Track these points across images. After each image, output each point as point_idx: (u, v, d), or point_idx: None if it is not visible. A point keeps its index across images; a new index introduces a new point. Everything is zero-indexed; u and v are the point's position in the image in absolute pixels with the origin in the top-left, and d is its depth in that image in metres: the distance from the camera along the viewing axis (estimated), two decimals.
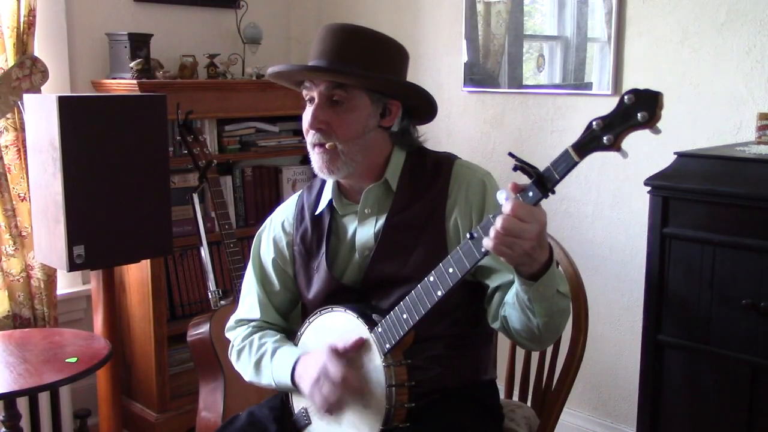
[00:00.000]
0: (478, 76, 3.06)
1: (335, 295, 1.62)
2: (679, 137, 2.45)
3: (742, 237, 1.88)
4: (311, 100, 1.56)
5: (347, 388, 1.47)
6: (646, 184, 2.04)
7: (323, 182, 1.69)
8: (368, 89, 1.55)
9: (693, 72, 2.50)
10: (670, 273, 2.01)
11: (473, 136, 3.10)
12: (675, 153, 2.08)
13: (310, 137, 1.57)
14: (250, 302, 1.76)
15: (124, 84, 2.88)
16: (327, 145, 1.54)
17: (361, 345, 1.49)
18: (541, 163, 1.28)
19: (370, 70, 1.53)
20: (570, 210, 2.84)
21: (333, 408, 1.50)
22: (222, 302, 2.66)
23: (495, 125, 3.04)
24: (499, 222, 1.24)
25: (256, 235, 1.79)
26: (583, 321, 1.74)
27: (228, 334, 1.79)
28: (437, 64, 3.16)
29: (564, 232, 2.84)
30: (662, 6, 2.54)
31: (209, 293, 2.70)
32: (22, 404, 2.51)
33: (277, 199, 3.34)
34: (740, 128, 2.40)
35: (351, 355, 1.50)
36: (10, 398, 2.24)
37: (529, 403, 1.88)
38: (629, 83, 2.65)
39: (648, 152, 2.42)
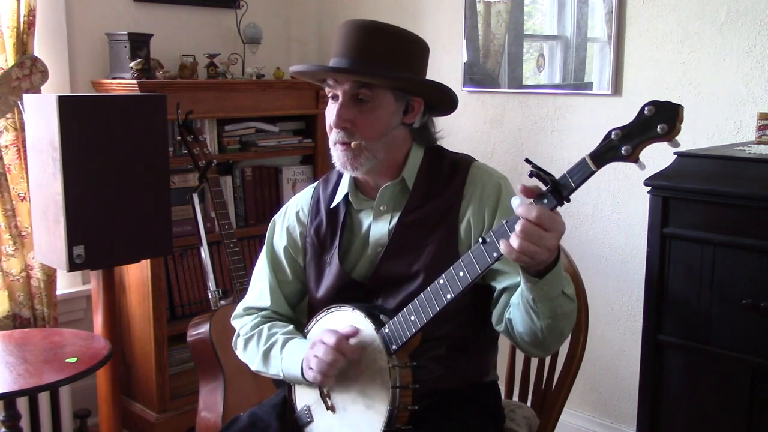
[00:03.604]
0: (478, 76, 3.06)
1: (344, 290, 1.62)
2: (679, 137, 2.44)
3: (742, 237, 1.88)
4: (334, 97, 1.57)
5: (340, 350, 1.46)
6: (646, 184, 2.04)
7: (339, 176, 1.69)
8: (393, 88, 1.55)
9: (693, 72, 2.50)
10: (670, 273, 2.01)
11: (473, 136, 3.10)
12: (675, 153, 2.08)
13: (333, 135, 1.57)
14: (260, 289, 1.76)
15: (124, 84, 2.88)
16: (352, 144, 1.55)
17: (357, 331, 1.49)
18: (542, 164, 1.28)
19: (393, 68, 1.54)
20: (570, 210, 2.84)
21: (327, 369, 1.48)
22: (222, 302, 2.66)
23: (495, 125, 3.05)
24: (519, 227, 1.24)
25: (272, 221, 1.80)
26: (583, 321, 1.74)
27: (234, 322, 1.79)
28: (437, 64, 3.16)
29: (564, 232, 2.84)
30: (662, 6, 2.54)
31: (209, 293, 2.70)
32: (22, 404, 2.51)
33: (277, 200, 3.34)
34: (740, 128, 2.40)
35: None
36: (10, 398, 2.24)
37: (529, 403, 1.89)
38: (629, 83, 2.65)
39: (648, 152, 2.41)
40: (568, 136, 2.82)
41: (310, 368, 1.51)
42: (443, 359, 1.58)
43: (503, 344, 1.72)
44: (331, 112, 1.57)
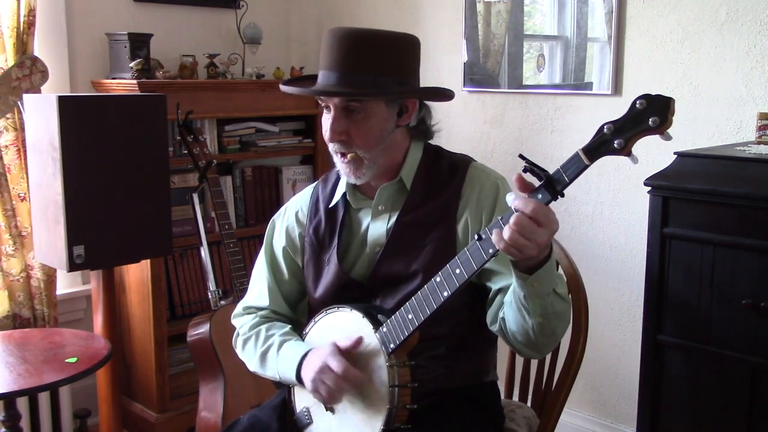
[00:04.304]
0: (478, 76, 3.06)
1: (343, 290, 1.63)
2: (679, 137, 2.44)
3: (742, 237, 1.88)
4: (327, 107, 1.57)
5: (348, 379, 1.48)
6: (646, 184, 2.04)
7: (338, 175, 1.69)
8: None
9: (693, 72, 2.50)
10: (670, 273, 2.01)
11: (473, 136, 3.10)
12: (675, 153, 2.08)
13: (331, 146, 1.58)
14: (259, 289, 1.77)
15: (124, 84, 2.88)
16: (349, 156, 1.56)
17: (360, 342, 1.50)
18: (542, 164, 1.28)
19: (382, 75, 1.53)
20: (570, 210, 2.84)
21: (335, 398, 1.51)
22: (222, 302, 2.66)
23: (495, 125, 3.04)
24: (513, 219, 1.24)
25: (271, 220, 1.81)
26: (583, 321, 1.74)
27: (234, 321, 1.80)
28: (437, 64, 3.16)
29: (564, 232, 2.84)
30: (662, 6, 2.54)
31: (209, 293, 2.70)
32: (22, 404, 2.51)
33: (277, 199, 3.34)
34: (740, 128, 2.40)
35: (353, 353, 1.51)
36: (10, 398, 2.23)
37: (529, 403, 1.89)
38: (629, 83, 2.65)
39: (648, 152, 2.42)
40: (568, 136, 2.82)
41: (318, 392, 1.52)
42: (442, 359, 1.58)
43: (503, 344, 1.72)
44: (325, 123, 1.57)
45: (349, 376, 1.47)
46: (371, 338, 1.49)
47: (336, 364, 1.48)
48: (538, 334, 1.43)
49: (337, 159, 1.59)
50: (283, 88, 1.66)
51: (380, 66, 1.54)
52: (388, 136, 1.58)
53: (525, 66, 2.92)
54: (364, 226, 1.66)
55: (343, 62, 1.53)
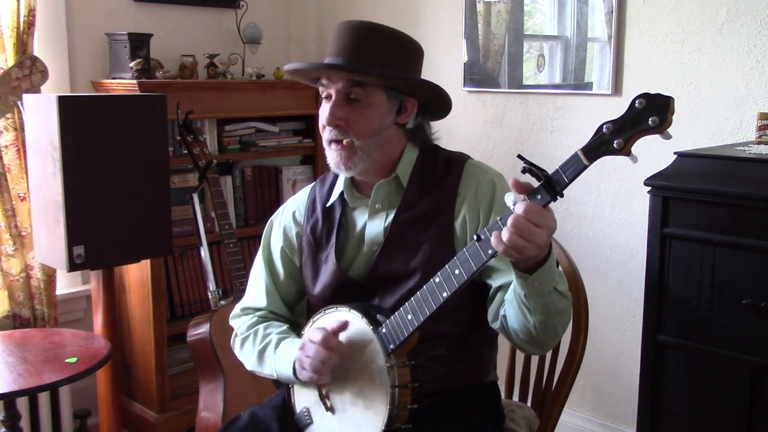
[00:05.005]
0: (478, 76, 3.06)
1: (341, 289, 1.63)
2: (679, 137, 2.44)
3: (742, 237, 1.88)
4: (328, 96, 1.58)
5: (328, 347, 1.47)
6: (646, 184, 2.04)
7: (336, 175, 1.69)
8: (385, 87, 1.56)
9: (693, 72, 2.50)
10: (670, 273, 2.01)
11: (473, 136, 3.10)
12: (675, 153, 2.08)
13: (326, 133, 1.58)
14: (257, 289, 1.77)
15: (124, 84, 2.88)
16: (344, 142, 1.56)
17: (343, 326, 1.49)
18: (542, 164, 1.28)
19: (386, 67, 1.54)
20: (570, 210, 2.84)
21: (320, 371, 1.49)
22: (222, 302, 2.66)
23: (495, 125, 3.04)
24: (510, 221, 1.24)
25: (269, 221, 1.81)
26: (583, 321, 1.74)
27: (232, 322, 1.80)
28: (437, 64, 3.16)
29: (564, 232, 2.84)
30: (662, 6, 2.54)
31: (209, 293, 2.70)
32: (22, 404, 2.52)
33: (277, 199, 3.34)
34: (740, 128, 2.40)
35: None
36: (10, 398, 2.23)
37: (529, 404, 1.89)
38: (629, 83, 2.65)
39: (648, 152, 2.42)
40: (568, 136, 2.82)
41: (304, 369, 1.52)
42: (443, 359, 1.58)
43: (503, 344, 1.73)
44: (324, 111, 1.57)
45: (330, 344, 1.47)
46: (371, 338, 1.49)
47: (316, 335, 1.48)
48: (540, 331, 1.43)
49: (329, 149, 1.59)
50: (286, 67, 1.67)
51: (385, 58, 1.55)
52: (385, 130, 1.58)
53: (525, 66, 2.92)
54: (361, 225, 1.66)
55: (349, 50, 1.54)
